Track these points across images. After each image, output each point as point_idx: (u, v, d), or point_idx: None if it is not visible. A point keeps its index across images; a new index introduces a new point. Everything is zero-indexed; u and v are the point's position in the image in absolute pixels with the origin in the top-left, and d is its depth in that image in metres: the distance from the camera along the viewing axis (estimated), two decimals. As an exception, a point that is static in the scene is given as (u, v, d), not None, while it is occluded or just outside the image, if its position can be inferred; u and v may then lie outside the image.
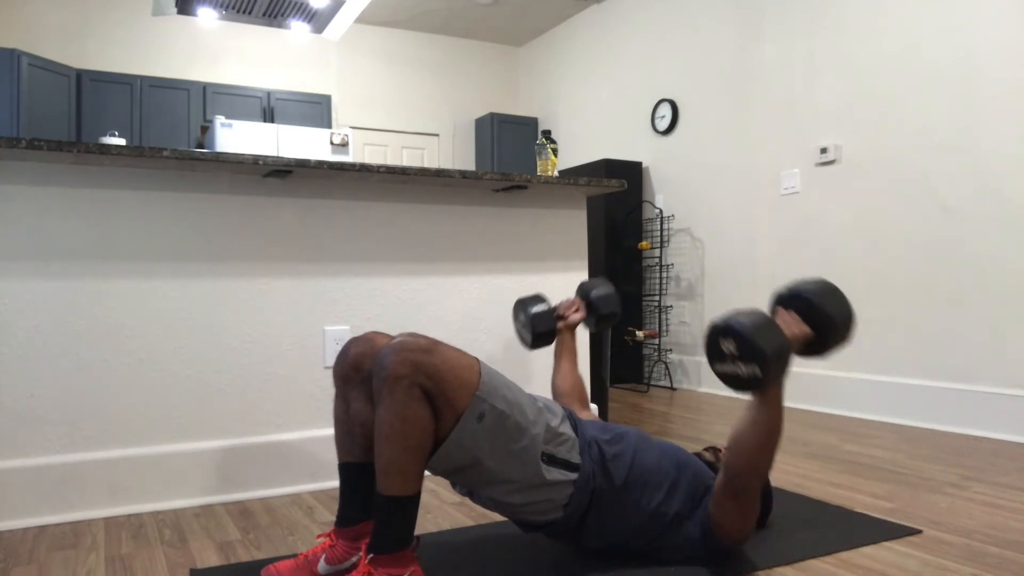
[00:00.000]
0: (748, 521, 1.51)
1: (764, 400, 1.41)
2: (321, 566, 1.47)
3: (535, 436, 1.45)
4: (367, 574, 1.32)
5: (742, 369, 1.34)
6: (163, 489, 2.08)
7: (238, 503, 2.14)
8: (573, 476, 1.49)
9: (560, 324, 2.12)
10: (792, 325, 1.43)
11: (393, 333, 2.42)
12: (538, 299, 2.09)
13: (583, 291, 2.13)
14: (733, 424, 1.43)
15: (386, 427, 1.33)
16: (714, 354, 1.40)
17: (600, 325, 2.10)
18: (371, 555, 1.33)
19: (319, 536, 1.53)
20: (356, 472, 1.54)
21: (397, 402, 1.33)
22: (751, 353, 1.32)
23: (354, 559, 1.48)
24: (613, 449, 1.56)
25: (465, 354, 1.43)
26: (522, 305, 2.09)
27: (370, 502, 1.53)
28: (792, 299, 1.45)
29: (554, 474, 1.47)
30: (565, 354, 2.11)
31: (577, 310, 2.14)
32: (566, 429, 1.53)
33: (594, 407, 2.84)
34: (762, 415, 1.41)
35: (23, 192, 1.97)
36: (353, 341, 1.58)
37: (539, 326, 2.03)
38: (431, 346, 1.37)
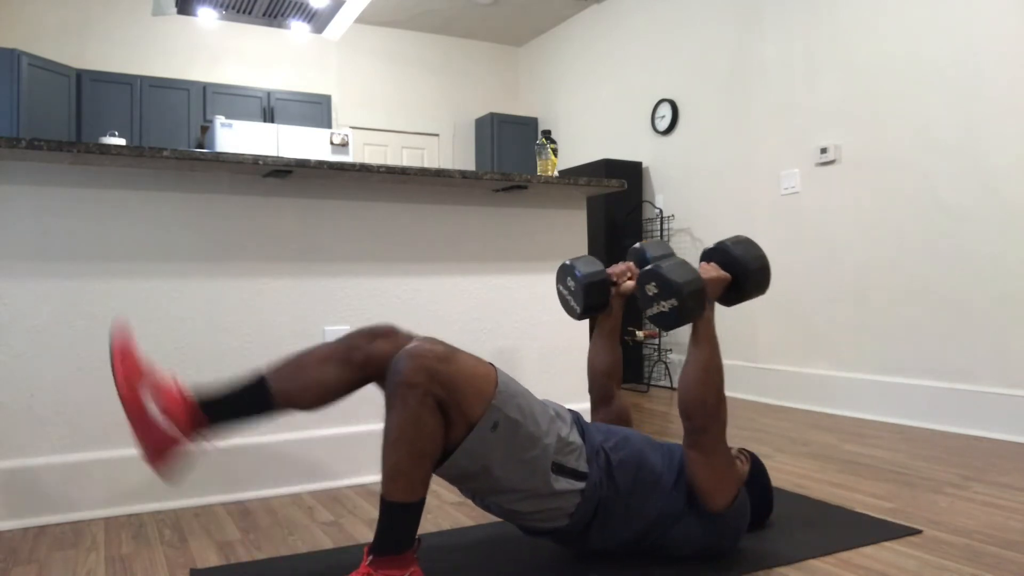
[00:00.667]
0: (722, 477, 1.51)
1: (695, 338, 1.52)
2: (158, 416, 1.44)
3: (546, 446, 1.45)
4: (367, 575, 1.32)
5: (664, 306, 1.50)
6: (163, 489, 2.08)
7: (238, 503, 2.14)
8: (580, 485, 1.48)
9: (613, 291, 1.82)
10: (710, 271, 1.57)
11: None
12: (589, 261, 1.80)
13: (638, 255, 1.84)
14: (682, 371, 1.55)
15: (395, 432, 1.32)
16: (644, 301, 1.56)
17: None
18: (372, 556, 1.33)
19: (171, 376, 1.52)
20: (260, 388, 1.50)
21: (409, 410, 1.31)
22: (668, 288, 1.48)
23: (174, 429, 1.45)
24: (618, 456, 1.55)
25: (482, 362, 1.43)
26: (571, 268, 1.78)
27: (228, 410, 1.49)
28: (712, 252, 1.64)
29: (562, 484, 1.46)
30: (611, 327, 1.86)
31: (631, 277, 1.81)
32: (575, 437, 1.53)
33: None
34: (696, 352, 1.51)
35: (23, 192, 1.97)
36: (383, 335, 1.54)
37: (593, 294, 1.75)
38: (448, 354, 1.36)
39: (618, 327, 1.88)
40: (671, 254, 1.79)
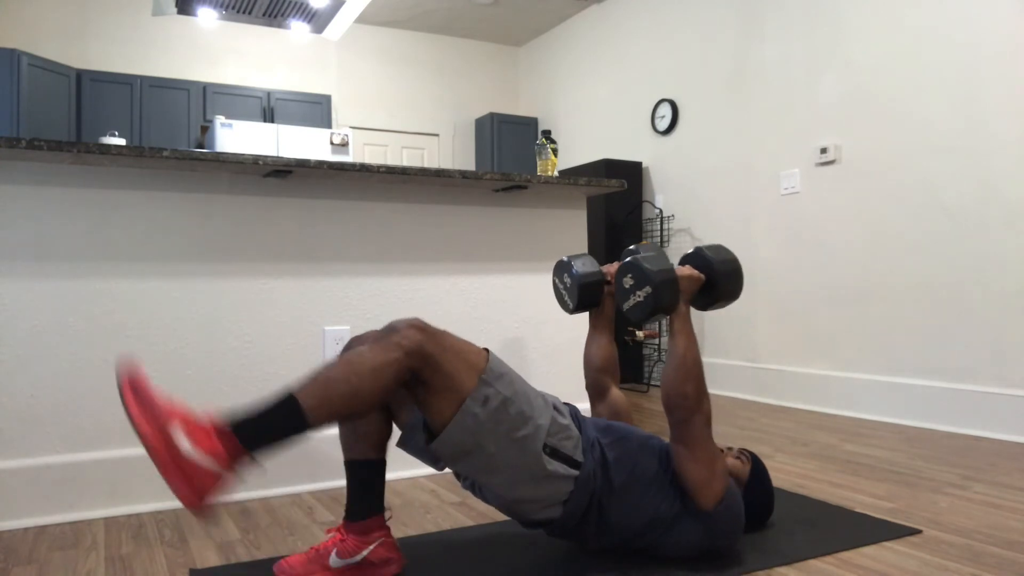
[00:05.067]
0: (707, 471, 1.51)
1: (672, 332, 1.58)
2: (333, 560, 1.48)
3: (539, 426, 1.47)
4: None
5: (639, 295, 1.58)
6: (163, 489, 2.08)
7: (238, 503, 2.14)
8: (574, 473, 1.50)
9: (607, 290, 1.89)
10: (684, 270, 1.64)
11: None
12: (587, 260, 1.88)
13: (633, 255, 1.90)
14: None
15: (354, 362, 1.36)
16: (621, 294, 1.64)
17: None
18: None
19: (328, 531, 1.53)
20: (361, 468, 1.55)
21: (380, 356, 1.36)
22: (643, 277, 1.57)
23: (365, 552, 1.49)
24: (614, 452, 1.56)
25: (473, 344, 1.50)
26: (569, 265, 1.86)
27: (377, 497, 1.55)
28: (687, 256, 1.73)
29: (555, 466, 1.48)
30: (604, 323, 1.93)
31: None
32: (571, 428, 1.55)
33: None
34: (673, 346, 1.56)
35: (23, 192, 1.97)
36: (356, 340, 1.59)
37: (587, 293, 1.84)
38: (440, 332, 1.45)
39: (611, 323, 1.94)
40: (662, 254, 1.84)
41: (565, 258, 1.88)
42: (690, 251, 1.73)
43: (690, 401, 1.51)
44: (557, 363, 2.77)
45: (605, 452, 1.56)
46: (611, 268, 1.88)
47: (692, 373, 1.52)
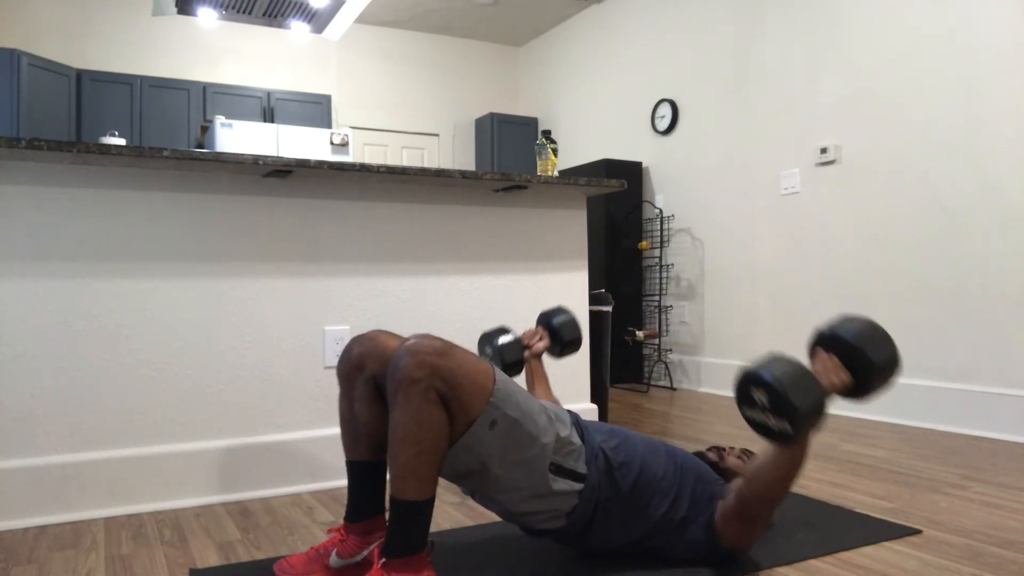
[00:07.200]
0: (752, 537, 1.52)
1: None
2: (333, 560, 1.47)
3: (545, 446, 1.45)
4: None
5: (772, 421, 1.31)
6: (163, 489, 2.08)
7: (238, 503, 2.14)
8: (579, 487, 1.49)
9: (526, 353, 2.04)
10: (831, 372, 1.37)
11: (394, 333, 2.43)
12: (503, 330, 2.06)
13: (544, 319, 2.11)
14: (757, 456, 1.43)
15: (401, 430, 1.32)
16: (744, 399, 1.36)
17: (565, 352, 2.09)
18: (384, 560, 1.32)
19: (329, 531, 1.53)
20: (363, 470, 1.54)
21: (413, 405, 1.31)
22: (783, 409, 1.28)
23: (365, 553, 1.49)
24: (619, 457, 1.55)
25: (480, 359, 1.43)
26: (488, 338, 2.04)
27: (378, 498, 1.54)
28: (833, 341, 1.40)
29: (560, 484, 1.47)
30: (537, 380, 2.06)
31: (541, 338, 2.07)
32: (574, 438, 1.53)
33: (594, 407, 2.84)
34: (785, 456, 1.37)
35: (23, 192, 1.97)
36: (356, 340, 1.57)
37: (507, 356, 2.00)
38: (447, 349, 1.36)
39: (546, 381, 2.06)
40: (570, 313, 2.04)
41: (485, 332, 2.06)
42: (828, 333, 1.39)
43: (775, 503, 1.45)
44: (555, 364, 2.77)
45: (610, 458, 1.54)
46: (527, 334, 2.05)
47: (789, 483, 1.40)
